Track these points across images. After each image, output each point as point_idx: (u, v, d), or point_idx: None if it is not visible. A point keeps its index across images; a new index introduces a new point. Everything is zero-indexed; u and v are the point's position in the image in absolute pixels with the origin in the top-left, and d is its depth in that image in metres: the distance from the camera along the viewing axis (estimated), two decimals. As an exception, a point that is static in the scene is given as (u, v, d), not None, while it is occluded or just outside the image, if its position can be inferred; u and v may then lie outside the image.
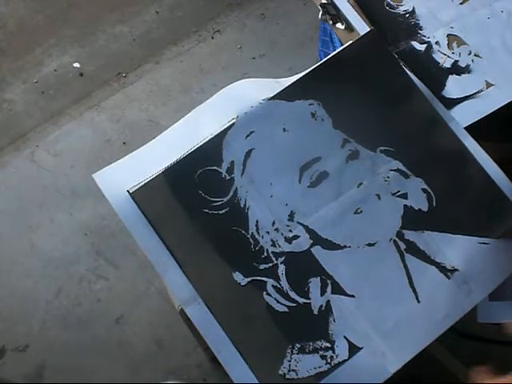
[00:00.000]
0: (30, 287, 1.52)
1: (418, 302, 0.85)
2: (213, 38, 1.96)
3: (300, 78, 0.91)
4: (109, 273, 1.53)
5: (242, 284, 0.85)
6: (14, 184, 1.69)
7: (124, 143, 1.72)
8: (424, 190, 0.89)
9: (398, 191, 0.89)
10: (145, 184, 0.86)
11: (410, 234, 0.88)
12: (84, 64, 1.92)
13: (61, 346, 1.44)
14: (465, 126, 0.93)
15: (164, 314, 1.43)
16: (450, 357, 1.09)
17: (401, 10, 1.05)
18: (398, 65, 0.93)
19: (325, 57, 1.36)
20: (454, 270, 0.86)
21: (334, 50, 1.22)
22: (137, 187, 0.86)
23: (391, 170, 0.89)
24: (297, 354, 0.83)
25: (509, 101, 0.96)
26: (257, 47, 1.91)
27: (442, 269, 0.87)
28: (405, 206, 0.88)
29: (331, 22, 1.05)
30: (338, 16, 1.03)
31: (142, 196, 0.86)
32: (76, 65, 1.92)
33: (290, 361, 0.83)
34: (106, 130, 1.77)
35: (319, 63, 0.92)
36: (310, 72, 0.92)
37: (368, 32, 0.93)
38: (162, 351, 1.42)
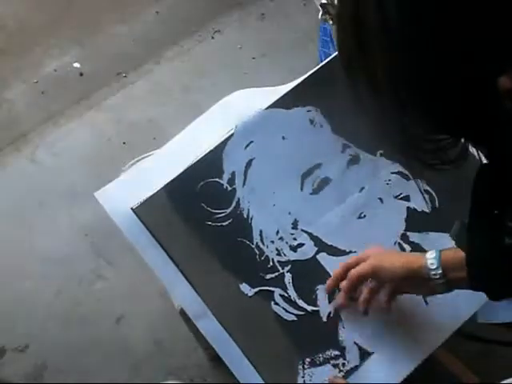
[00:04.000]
0: (30, 287, 1.52)
1: (426, 304, 0.85)
2: (213, 37, 1.96)
3: (296, 85, 0.91)
4: (109, 273, 1.53)
5: (250, 295, 0.85)
6: (14, 184, 1.69)
7: (124, 143, 1.72)
8: (426, 192, 0.89)
9: (400, 193, 0.88)
10: (147, 200, 0.85)
11: (414, 236, 0.87)
12: (84, 64, 1.92)
13: (61, 346, 1.44)
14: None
15: (164, 314, 1.43)
16: (450, 357, 1.09)
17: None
18: None
19: (325, 57, 1.36)
20: None
21: (334, 50, 1.22)
22: (139, 203, 0.86)
23: (392, 173, 0.89)
24: (308, 368, 0.83)
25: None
26: (257, 47, 1.91)
27: None
28: (408, 208, 0.88)
29: (331, 22, 1.05)
30: (338, 16, 1.03)
31: (144, 212, 0.85)
32: (76, 65, 1.92)
33: (303, 377, 0.82)
34: (106, 130, 1.77)
35: (315, 69, 0.91)
36: (306, 78, 0.91)
37: None
38: (162, 351, 1.42)
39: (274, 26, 1.97)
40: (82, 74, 1.90)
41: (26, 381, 1.41)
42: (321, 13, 1.05)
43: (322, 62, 1.35)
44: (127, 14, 2.02)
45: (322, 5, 1.04)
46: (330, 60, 0.92)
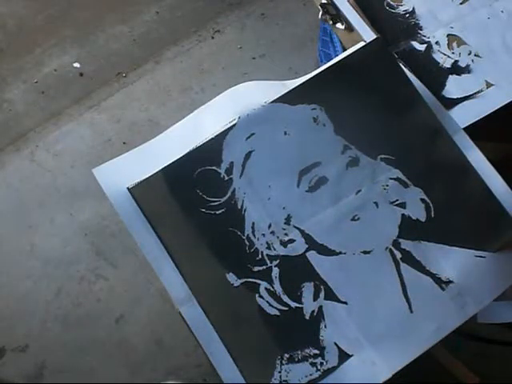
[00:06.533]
0: (29, 287, 1.52)
1: (411, 312, 0.85)
2: (213, 37, 1.96)
3: (304, 83, 0.90)
4: (109, 273, 1.53)
5: (235, 285, 0.85)
6: (14, 184, 1.69)
7: (124, 143, 1.72)
8: (423, 200, 0.89)
9: (397, 200, 0.88)
10: (143, 181, 0.86)
11: (406, 244, 0.87)
12: (84, 64, 1.92)
13: (61, 346, 1.44)
14: (465, 126, 0.93)
15: (164, 314, 1.43)
16: (450, 357, 1.09)
17: (401, 10, 1.05)
18: (404, 74, 0.92)
19: (325, 57, 1.36)
20: (448, 282, 0.86)
21: (334, 50, 1.22)
22: (136, 184, 0.86)
23: (391, 179, 0.89)
24: (286, 364, 0.83)
25: (509, 101, 0.96)
26: (257, 47, 1.91)
27: (437, 280, 0.86)
28: (402, 215, 0.88)
29: (331, 22, 1.05)
30: (338, 16, 1.03)
31: (140, 192, 0.86)
32: (76, 65, 1.92)
33: (280, 372, 0.83)
34: (106, 130, 1.77)
35: (323, 68, 0.91)
36: (313, 77, 0.91)
37: (374, 39, 0.92)
38: (162, 351, 1.42)
39: (274, 26, 1.97)
40: (81, 74, 1.90)
41: (26, 381, 1.41)
42: (321, 13, 1.05)
43: (322, 61, 1.36)
44: (127, 13, 2.02)
45: (321, 5, 1.04)
46: (340, 60, 0.91)
